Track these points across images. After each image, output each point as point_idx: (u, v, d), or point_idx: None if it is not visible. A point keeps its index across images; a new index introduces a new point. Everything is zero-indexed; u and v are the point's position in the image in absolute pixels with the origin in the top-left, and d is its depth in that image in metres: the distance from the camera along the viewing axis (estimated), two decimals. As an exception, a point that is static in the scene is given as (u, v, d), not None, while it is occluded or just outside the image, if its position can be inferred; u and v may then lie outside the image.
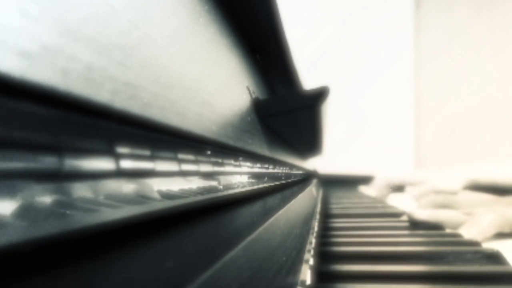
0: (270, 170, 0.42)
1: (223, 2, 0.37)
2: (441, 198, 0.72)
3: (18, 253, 0.08)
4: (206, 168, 0.21)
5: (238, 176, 0.28)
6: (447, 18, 2.26)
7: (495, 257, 0.37)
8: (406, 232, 0.54)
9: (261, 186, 0.33)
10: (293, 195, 0.48)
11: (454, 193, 0.74)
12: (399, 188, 1.04)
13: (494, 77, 2.19)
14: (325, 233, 0.51)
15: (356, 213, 0.74)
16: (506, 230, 0.56)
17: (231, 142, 0.26)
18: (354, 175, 1.54)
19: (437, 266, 0.35)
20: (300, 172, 0.76)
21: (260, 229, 0.23)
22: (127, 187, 0.13)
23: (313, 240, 0.36)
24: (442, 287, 0.31)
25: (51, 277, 0.09)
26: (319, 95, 0.47)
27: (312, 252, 0.32)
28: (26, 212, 0.08)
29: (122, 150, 0.13)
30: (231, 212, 0.23)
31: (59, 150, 0.10)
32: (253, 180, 0.32)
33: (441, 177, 0.84)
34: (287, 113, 0.45)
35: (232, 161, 0.27)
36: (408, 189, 0.99)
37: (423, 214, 0.59)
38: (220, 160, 0.24)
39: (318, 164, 1.40)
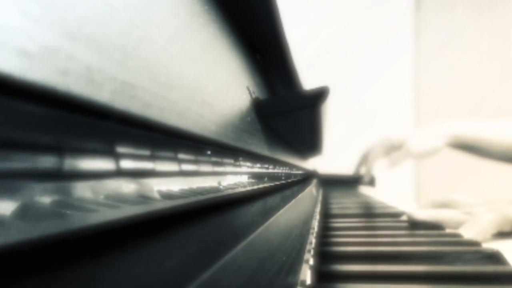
0: (270, 170, 0.42)
1: (223, 2, 0.37)
2: (440, 198, 0.72)
3: (18, 253, 0.08)
4: (206, 168, 0.21)
5: (238, 176, 0.28)
6: (447, 18, 2.26)
7: (495, 257, 0.37)
8: (406, 232, 0.54)
9: (261, 186, 0.33)
10: (293, 195, 0.48)
11: (435, 152, 0.66)
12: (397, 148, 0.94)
13: (494, 77, 2.19)
14: (325, 233, 0.51)
15: (356, 213, 0.74)
16: (506, 229, 0.56)
17: (231, 142, 0.26)
18: (354, 175, 1.54)
19: (437, 266, 0.35)
20: (300, 172, 0.76)
21: (260, 229, 0.23)
22: (127, 187, 0.13)
23: (313, 240, 0.36)
24: (442, 287, 0.31)
25: (51, 277, 0.09)
26: (319, 95, 0.47)
27: (312, 252, 0.32)
28: (26, 212, 0.08)
29: (122, 150, 0.13)
30: (231, 212, 0.23)
31: (59, 150, 0.10)
32: (253, 180, 0.32)
33: (421, 133, 0.75)
34: (287, 113, 0.45)
35: (232, 161, 0.27)
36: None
37: (423, 214, 0.59)
38: (220, 160, 0.24)
39: (318, 164, 1.40)
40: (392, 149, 0.88)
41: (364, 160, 0.98)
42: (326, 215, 0.69)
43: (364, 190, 1.41)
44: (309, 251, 0.32)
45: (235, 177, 0.27)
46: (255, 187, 0.30)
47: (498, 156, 0.63)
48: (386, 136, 0.87)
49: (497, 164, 0.74)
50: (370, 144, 0.97)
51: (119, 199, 0.12)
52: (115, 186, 0.12)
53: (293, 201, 0.42)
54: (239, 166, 0.29)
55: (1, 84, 0.08)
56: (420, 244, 0.44)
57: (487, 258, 0.37)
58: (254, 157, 0.35)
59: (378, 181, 1.31)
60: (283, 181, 0.47)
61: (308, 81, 0.77)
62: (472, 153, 0.63)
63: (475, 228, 0.54)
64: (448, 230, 0.54)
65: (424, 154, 0.64)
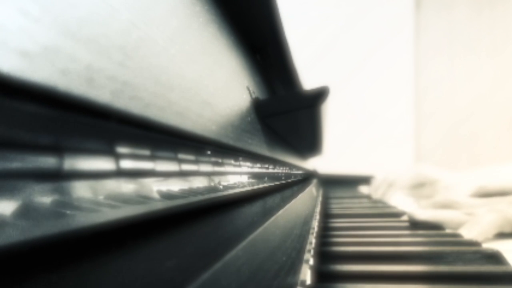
0: (270, 170, 0.42)
1: (223, 2, 0.37)
2: (441, 199, 0.72)
3: (18, 253, 0.08)
4: (206, 168, 0.21)
5: (238, 176, 0.28)
6: (447, 18, 2.26)
7: (495, 257, 0.37)
8: (406, 232, 0.53)
9: (261, 186, 0.33)
10: (293, 195, 0.48)
11: (461, 201, 0.72)
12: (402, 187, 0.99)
13: (493, 76, 2.19)
14: (325, 233, 0.51)
15: (356, 213, 0.74)
16: (507, 230, 0.56)
17: (231, 142, 0.26)
18: (354, 175, 1.54)
19: (437, 266, 0.35)
20: (300, 172, 0.76)
21: (260, 229, 0.23)
22: (127, 187, 0.13)
23: (313, 240, 0.36)
24: (442, 287, 0.31)
25: (51, 277, 0.09)
26: (319, 95, 0.47)
27: (312, 252, 0.32)
28: (26, 212, 0.08)
29: (122, 150, 0.13)
30: (231, 212, 0.23)
31: (59, 150, 0.10)
32: (253, 180, 0.32)
33: (449, 182, 0.81)
34: (287, 113, 0.45)
35: (232, 161, 0.27)
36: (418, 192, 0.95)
37: (424, 214, 0.59)
38: (220, 160, 0.24)
39: (318, 164, 1.40)
40: (419, 186, 0.94)
41: (387, 186, 1.01)
42: (326, 215, 0.69)
43: (365, 190, 1.41)
44: (309, 251, 0.32)
45: (235, 177, 0.27)
46: (255, 187, 0.30)
47: None
48: (420, 173, 0.93)
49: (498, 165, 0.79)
50: (398, 173, 0.99)
51: (119, 199, 0.12)
52: (115, 186, 0.12)
53: (293, 201, 0.42)
54: (239, 166, 0.29)
55: (1, 84, 0.08)
56: (421, 244, 0.44)
57: (487, 258, 0.37)
58: (254, 157, 0.35)
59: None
60: (283, 181, 0.47)
61: (308, 81, 0.77)
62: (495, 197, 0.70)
63: (476, 228, 0.54)
64: (448, 230, 0.54)
65: (452, 202, 0.68)
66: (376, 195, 1.06)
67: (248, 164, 0.32)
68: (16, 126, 0.09)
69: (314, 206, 0.62)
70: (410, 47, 2.26)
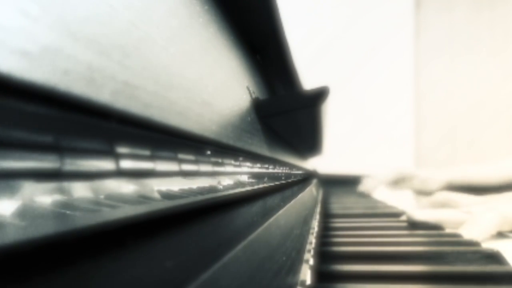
0: (270, 170, 0.42)
1: (223, 2, 0.37)
2: (440, 198, 0.72)
3: (17, 253, 0.08)
4: (206, 168, 0.21)
5: (238, 176, 0.28)
6: (447, 18, 2.26)
7: (495, 257, 0.37)
8: (406, 232, 0.54)
9: (261, 186, 0.33)
10: (293, 195, 0.48)
11: (430, 192, 0.80)
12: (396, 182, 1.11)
13: (493, 76, 2.20)
14: (325, 233, 0.51)
15: (356, 213, 0.74)
16: (505, 228, 0.56)
17: (231, 142, 0.26)
18: (354, 175, 1.54)
19: (437, 266, 0.35)
20: (300, 172, 0.76)
21: (260, 229, 0.23)
22: (127, 187, 0.13)
23: (313, 240, 0.36)
24: (442, 287, 0.31)
25: (51, 277, 0.09)
26: (319, 95, 0.47)
27: (312, 252, 0.32)
28: (26, 212, 0.08)
29: (122, 150, 0.13)
30: (231, 212, 0.23)
31: (59, 150, 0.10)
32: (253, 180, 0.32)
33: (424, 177, 0.93)
34: (287, 113, 0.45)
35: (232, 161, 0.27)
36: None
37: (423, 215, 0.59)
38: (220, 160, 0.24)
39: (318, 164, 1.40)
40: (400, 180, 1.11)
41: (374, 183, 1.20)
42: (326, 215, 0.69)
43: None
44: (309, 251, 0.32)
45: (235, 177, 0.27)
46: (255, 187, 0.30)
47: (484, 190, 0.79)
48: (400, 171, 1.10)
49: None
50: (382, 172, 1.18)
51: (119, 199, 0.12)
52: (115, 186, 0.12)
53: (293, 201, 0.42)
54: (239, 166, 0.29)
55: (1, 84, 0.08)
56: (420, 244, 0.44)
57: (487, 258, 0.37)
58: (254, 157, 0.35)
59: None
60: (283, 181, 0.47)
61: (308, 81, 0.77)
62: (463, 192, 0.78)
63: (476, 228, 0.54)
64: (448, 230, 0.54)
65: (450, 200, 0.76)
66: (364, 189, 1.20)
67: (248, 164, 0.32)
68: (16, 126, 0.09)
69: (314, 206, 0.62)
70: (410, 47, 2.26)
